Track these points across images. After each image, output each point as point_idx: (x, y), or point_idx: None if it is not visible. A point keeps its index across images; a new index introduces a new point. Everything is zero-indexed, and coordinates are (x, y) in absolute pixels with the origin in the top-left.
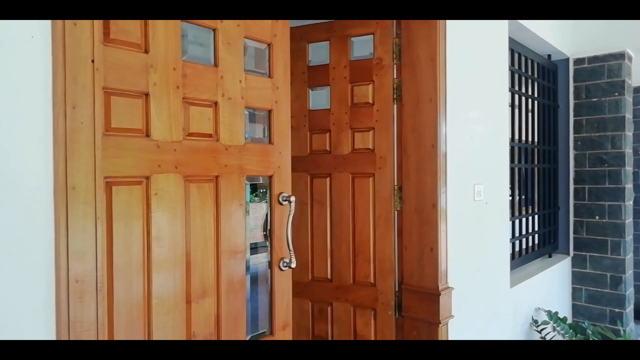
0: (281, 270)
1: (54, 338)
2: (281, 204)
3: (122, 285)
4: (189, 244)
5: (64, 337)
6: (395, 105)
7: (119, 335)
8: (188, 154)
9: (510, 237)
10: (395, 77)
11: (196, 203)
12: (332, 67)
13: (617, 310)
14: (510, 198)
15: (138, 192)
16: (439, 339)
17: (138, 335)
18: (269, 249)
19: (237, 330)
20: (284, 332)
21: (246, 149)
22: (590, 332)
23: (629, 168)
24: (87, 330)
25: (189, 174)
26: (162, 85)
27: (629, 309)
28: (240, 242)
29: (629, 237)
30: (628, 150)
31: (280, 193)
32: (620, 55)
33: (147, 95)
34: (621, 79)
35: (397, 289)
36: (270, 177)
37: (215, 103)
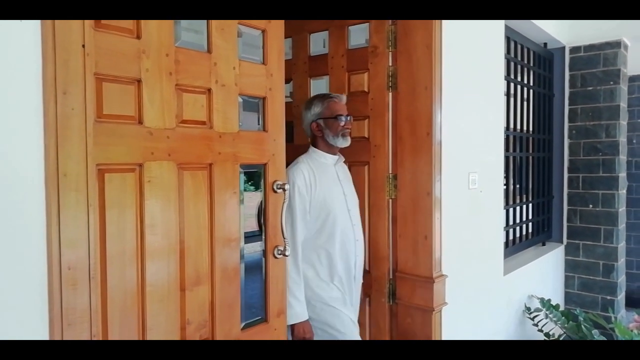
0: (275, 258)
1: (46, 325)
2: (275, 192)
3: (115, 273)
4: (183, 232)
5: (57, 324)
6: (390, 93)
7: (113, 322)
8: (181, 142)
9: (505, 226)
10: (390, 64)
11: (190, 191)
12: (330, 56)
13: (608, 297)
14: (505, 187)
15: (131, 179)
16: (433, 326)
17: (132, 322)
18: (263, 237)
19: (231, 318)
20: (278, 320)
21: (240, 137)
22: (582, 319)
23: (622, 157)
24: (81, 317)
25: (183, 161)
26: (154, 72)
27: (621, 297)
28: (235, 230)
29: (622, 226)
30: (622, 139)
31: (275, 181)
32: (617, 44)
33: (139, 81)
34: (617, 68)
35: (391, 277)
36: (265, 164)
37: (209, 90)
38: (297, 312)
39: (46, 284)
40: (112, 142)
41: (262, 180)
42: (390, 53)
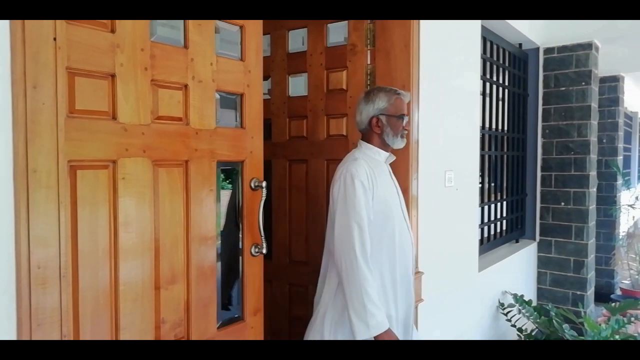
0: (253, 256)
1: (14, 325)
2: (253, 189)
3: (87, 272)
4: (158, 230)
5: (26, 324)
6: None
7: (85, 322)
8: (157, 138)
9: (480, 223)
10: (368, 63)
11: (165, 188)
12: (309, 54)
13: (579, 292)
14: (480, 185)
15: (104, 176)
16: None
17: (104, 322)
18: (240, 235)
19: (207, 316)
20: (255, 318)
21: (217, 134)
22: (554, 314)
23: (593, 156)
24: (50, 316)
25: (158, 158)
26: (129, 67)
27: (590, 292)
28: (211, 227)
29: (592, 223)
30: (593, 139)
31: (252, 178)
32: (588, 46)
33: (113, 76)
34: (588, 69)
35: None
36: (242, 162)
37: (186, 86)
38: (379, 322)
39: (14, 283)
40: (84, 137)
41: (240, 178)
42: (368, 51)
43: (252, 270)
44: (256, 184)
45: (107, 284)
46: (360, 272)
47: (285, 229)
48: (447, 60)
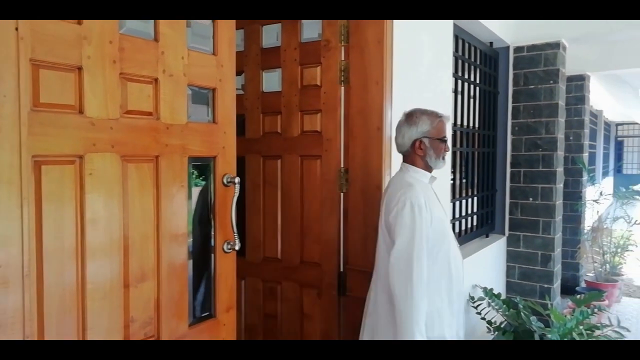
0: (225, 252)
1: None
2: (225, 185)
3: (52, 271)
4: (127, 227)
5: None
6: (342, 88)
7: (50, 322)
8: (126, 133)
9: (451, 218)
10: (342, 59)
11: (135, 184)
12: (283, 49)
13: (546, 285)
14: (452, 181)
15: (71, 172)
16: None
17: (71, 321)
18: (212, 231)
19: (178, 314)
20: (227, 315)
21: (189, 129)
22: (522, 307)
23: (560, 153)
24: (12, 317)
25: (127, 153)
26: (97, 59)
27: (556, 285)
28: (182, 224)
29: (559, 218)
30: (560, 136)
31: (225, 174)
32: (556, 45)
33: (80, 69)
34: (556, 68)
35: (342, 270)
36: (214, 157)
37: (156, 80)
38: None
39: None
40: (49, 132)
41: (212, 174)
42: (342, 47)
43: (225, 267)
44: (229, 179)
45: (73, 282)
46: (414, 303)
47: (259, 226)
48: (420, 58)
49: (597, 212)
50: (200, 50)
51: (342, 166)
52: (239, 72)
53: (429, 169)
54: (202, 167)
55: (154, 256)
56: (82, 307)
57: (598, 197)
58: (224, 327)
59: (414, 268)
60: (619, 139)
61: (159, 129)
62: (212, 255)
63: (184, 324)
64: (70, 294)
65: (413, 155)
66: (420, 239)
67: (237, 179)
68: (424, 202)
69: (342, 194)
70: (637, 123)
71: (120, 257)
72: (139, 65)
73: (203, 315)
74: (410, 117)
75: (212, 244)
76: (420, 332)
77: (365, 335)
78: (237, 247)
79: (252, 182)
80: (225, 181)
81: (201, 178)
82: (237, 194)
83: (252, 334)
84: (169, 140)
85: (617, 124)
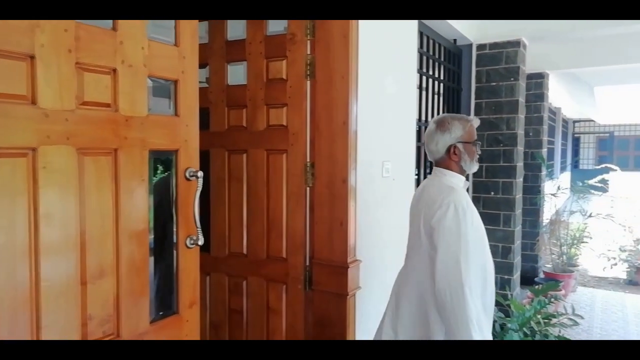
0: (188, 247)
1: None
2: (188, 179)
3: (3, 268)
4: (84, 222)
5: None
6: (308, 82)
7: (1, 322)
8: (82, 125)
9: None
10: (308, 53)
11: (92, 178)
12: (248, 42)
13: (506, 277)
14: (417, 176)
15: (22, 165)
16: (347, 310)
17: (24, 320)
18: (174, 226)
19: (139, 311)
20: (190, 311)
21: (149, 121)
22: None
23: (520, 148)
24: None
25: (84, 146)
26: (51, 48)
27: (516, 276)
28: (143, 219)
29: (519, 211)
30: (520, 132)
31: (187, 168)
32: (517, 43)
33: (33, 57)
34: (516, 65)
35: (307, 264)
36: (176, 151)
37: (114, 70)
38: None
39: None
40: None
41: (174, 168)
42: (308, 41)
43: (187, 262)
44: (191, 173)
45: (26, 280)
46: (468, 306)
47: (224, 221)
48: (386, 53)
49: (555, 205)
50: (162, 41)
51: (308, 160)
52: (203, 65)
53: (463, 173)
54: (164, 161)
55: (113, 252)
56: (36, 306)
57: (556, 191)
58: (187, 323)
59: (462, 270)
60: (576, 135)
61: (118, 121)
62: (175, 250)
63: (145, 320)
64: (23, 292)
65: (448, 160)
66: (467, 242)
67: (199, 173)
68: (467, 205)
69: (308, 188)
70: (592, 120)
71: (77, 254)
72: (96, 55)
73: (165, 311)
74: (442, 124)
75: (175, 239)
76: (476, 331)
77: (385, 333)
78: (200, 242)
79: (216, 177)
80: (187, 175)
81: (163, 172)
82: (200, 188)
83: (218, 330)
84: (129, 133)
85: (575, 121)
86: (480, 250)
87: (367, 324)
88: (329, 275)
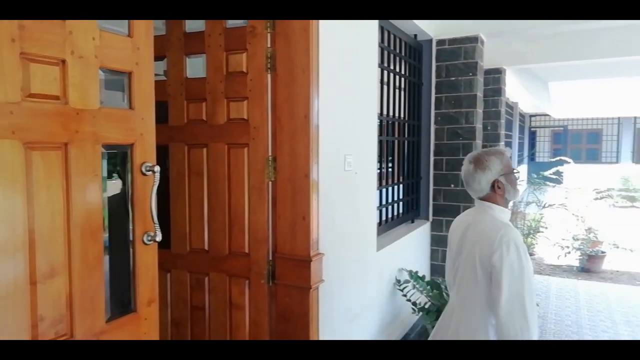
0: (145, 244)
1: None
2: (144, 174)
3: None
4: (33, 220)
5: None
6: (269, 75)
7: None
8: (29, 118)
9: (378, 205)
10: (269, 46)
11: (40, 174)
12: (207, 34)
13: None
14: (379, 169)
15: None
16: (310, 303)
17: None
18: (131, 222)
19: (94, 310)
20: (149, 309)
21: (102, 114)
22: (444, 288)
23: (479, 141)
24: None
25: (31, 140)
26: None
27: None
28: (96, 215)
29: None
30: (478, 126)
31: (144, 162)
32: (475, 39)
33: None
34: (475, 61)
35: (270, 258)
36: (132, 145)
37: (63, 61)
38: None
39: None
40: None
41: (129, 162)
42: (268, 34)
43: (145, 259)
44: (148, 168)
45: None
46: (531, 339)
47: (184, 216)
48: (346, 47)
49: None
50: (114, 32)
51: (270, 154)
52: (161, 57)
53: (506, 204)
54: (119, 156)
55: (65, 250)
56: None
57: None
58: (146, 321)
59: (527, 307)
60: (532, 129)
61: (68, 114)
62: (131, 247)
63: (100, 320)
64: None
65: (493, 195)
66: (528, 278)
67: (156, 168)
68: (521, 241)
69: (270, 183)
70: (548, 115)
71: (26, 253)
72: (43, 45)
73: (122, 310)
74: (480, 162)
75: (131, 235)
76: None
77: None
78: (158, 239)
79: (176, 172)
80: (144, 170)
81: (118, 167)
82: (156, 183)
83: (179, 327)
84: (80, 127)
85: (531, 116)
86: (533, 283)
87: (330, 315)
88: (292, 269)
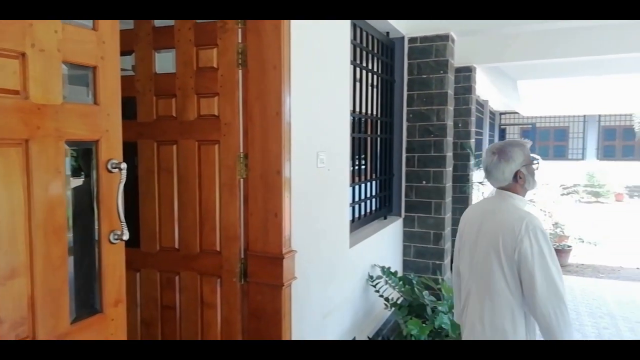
0: (112, 243)
1: None
2: (110, 171)
3: None
4: None
5: None
6: (240, 71)
7: None
8: None
9: (351, 202)
10: (240, 41)
11: None
12: (177, 29)
13: (437, 262)
14: (353, 166)
15: None
16: (282, 300)
17: None
18: (96, 220)
19: (58, 312)
20: (116, 309)
21: (65, 110)
22: (415, 283)
23: (450, 138)
24: None
25: None
26: None
27: (447, 261)
28: (60, 214)
29: (449, 199)
30: (449, 123)
31: (110, 159)
32: (446, 37)
33: None
34: (445, 59)
35: (242, 256)
36: (97, 141)
37: (23, 54)
38: None
39: None
40: None
41: (95, 159)
42: (239, 30)
43: (112, 258)
44: (114, 165)
45: None
46: (568, 316)
47: (154, 215)
48: (319, 44)
49: (482, 193)
50: (78, 25)
51: (241, 151)
52: (128, 52)
53: (525, 193)
54: (84, 152)
55: (26, 250)
56: None
57: (483, 179)
58: (113, 322)
59: (560, 289)
60: (502, 126)
61: (29, 109)
62: (97, 246)
63: (64, 321)
64: None
65: (514, 185)
66: (555, 262)
67: (123, 165)
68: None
69: (241, 180)
70: (517, 112)
71: None
72: (0, 37)
73: (88, 311)
74: (504, 153)
75: (97, 234)
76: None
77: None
78: (125, 237)
79: (145, 169)
80: (109, 167)
81: (83, 164)
82: (123, 181)
83: (149, 327)
84: (42, 123)
85: (501, 113)
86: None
87: (303, 313)
88: (264, 266)
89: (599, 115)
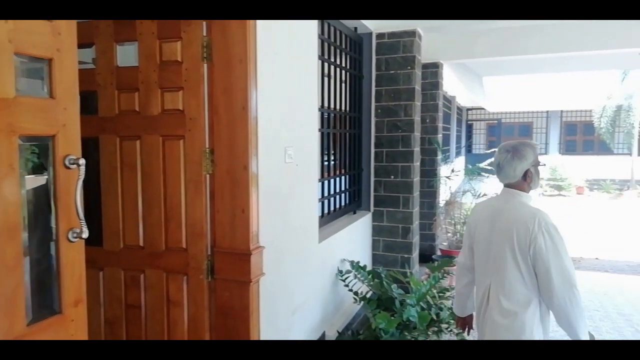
0: (70, 241)
1: None
2: (68, 167)
3: None
4: None
5: None
6: (205, 65)
7: None
8: None
9: (320, 197)
10: (205, 34)
11: None
12: (139, 21)
13: (406, 255)
14: (323, 162)
15: None
16: (250, 297)
17: None
18: (54, 218)
19: (12, 313)
20: (76, 309)
21: (18, 103)
22: (384, 276)
23: (417, 134)
24: None
25: None
26: None
27: (415, 254)
28: (13, 212)
29: (417, 193)
30: (417, 118)
31: (67, 155)
32: (413, 33)
33: None
34: (412, 55)
35: (209, 253)
36: (53, 136)
37: None
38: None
39: None
40: None
41: (51, 155)
42: (204, 23)
43: (71, 257)
44: (71, 161)
45: None
46: (581, 301)
47: (117, 212)
48: (286, 39)
49: (450, 187)
50: None
51: (207, 147)
52: (88, 44)
53: (529, 191)
54: (40, 148)
55: None
56: None
57: (450, 174)
58: (72, 322)
59: (572, 277)
60: (469, 122)
61: None
62: (55, 245)
63: (20, 323)
64: None
65: (522, 183)
66: (567, 254)
67: (81, 161)
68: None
69: (208, 176)
70: (483, 108)
71: None
72: None
73: (47, 311)
74: (517, 152)
75: (54, 233)
76: (587, 324)
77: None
78: (84, 235)
79: (108, 165)
80: (67, 163)
81: (39, 160)
82: (82, 177)
83: (113, 327)
84: None
85: (468, 109)
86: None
87: (271, 309)
88: (231, 263)
89: (561, 111)
